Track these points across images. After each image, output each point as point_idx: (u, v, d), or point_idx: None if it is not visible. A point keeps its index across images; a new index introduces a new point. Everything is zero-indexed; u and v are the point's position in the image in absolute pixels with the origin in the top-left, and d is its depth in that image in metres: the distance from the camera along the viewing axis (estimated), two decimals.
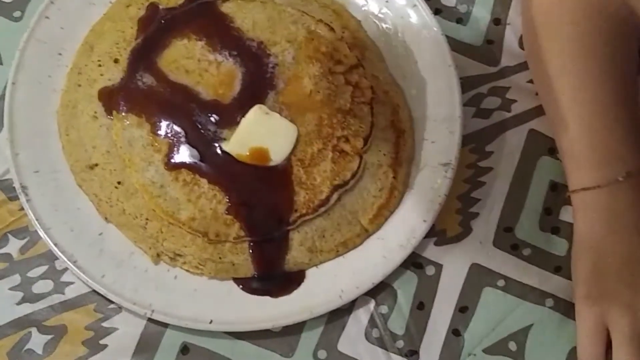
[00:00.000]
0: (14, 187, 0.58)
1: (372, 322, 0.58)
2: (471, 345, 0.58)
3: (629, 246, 0.56)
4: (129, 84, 0.58)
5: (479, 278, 0.60)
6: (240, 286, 0.57)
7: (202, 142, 0.57)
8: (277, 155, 0.57)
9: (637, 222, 0.56)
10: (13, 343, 0.56)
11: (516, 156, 0.63)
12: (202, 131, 0.57)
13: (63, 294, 0.57)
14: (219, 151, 0.57)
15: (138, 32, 0.61)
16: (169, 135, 0.57)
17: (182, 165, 0.57)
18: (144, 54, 0.59)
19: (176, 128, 0.57)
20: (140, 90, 0.58)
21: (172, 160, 0.57)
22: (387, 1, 0.65)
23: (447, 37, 0.63)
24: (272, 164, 0.57)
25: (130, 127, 0.57)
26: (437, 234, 0.61)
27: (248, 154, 0.57)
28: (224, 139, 0.57)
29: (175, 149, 0.57)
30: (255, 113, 0.57)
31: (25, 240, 0.59)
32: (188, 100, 0.58)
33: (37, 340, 0.56)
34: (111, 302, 0.57)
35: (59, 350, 0.56)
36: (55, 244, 0.56)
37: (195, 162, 0.57)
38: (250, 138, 0.57)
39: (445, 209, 0.60)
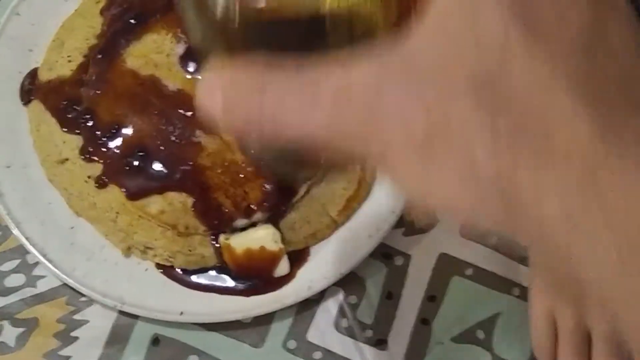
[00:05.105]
0: None
1: (341, 312, 0.59)
2: (439, 334, 0.59)
3: None
4: (92, 80, 0.59)
5: (447, 267, 0.60)
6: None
7: (170, 140, 0.57)
8: None
9: None
10: None
11: None
12: (171, 128, 0.57)
13: (35, 287, 0.58)
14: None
15: (103, 25, 0.61)
16: (135, 131, 0.57)
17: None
18: (111, 50, 0.59)
19: (144, 123, 0.57)
20: (106, 87, 0.58)
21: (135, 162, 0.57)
22: None
23: None
24: None
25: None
26: (406, 224, 0.61)
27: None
28: (199, 142, 0.57)
29: (140, 147, 0.57)
30: (267, 232, 0.57)
31: None
32: (157, 95, 0.58)
33: (9, 334, 0.56)
34: (82, 295, 0.57)
35: (30, 343, 0.56)
36: (27, 238, 0.56)
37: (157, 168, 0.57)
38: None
39: None
